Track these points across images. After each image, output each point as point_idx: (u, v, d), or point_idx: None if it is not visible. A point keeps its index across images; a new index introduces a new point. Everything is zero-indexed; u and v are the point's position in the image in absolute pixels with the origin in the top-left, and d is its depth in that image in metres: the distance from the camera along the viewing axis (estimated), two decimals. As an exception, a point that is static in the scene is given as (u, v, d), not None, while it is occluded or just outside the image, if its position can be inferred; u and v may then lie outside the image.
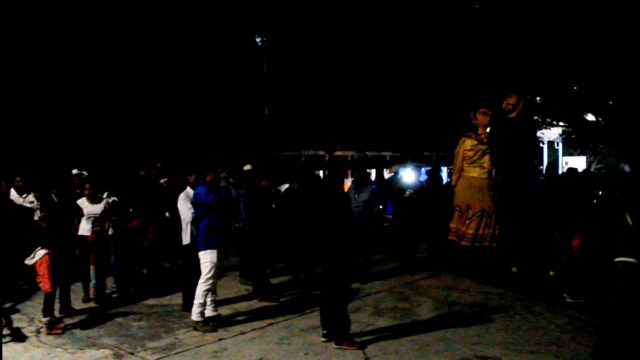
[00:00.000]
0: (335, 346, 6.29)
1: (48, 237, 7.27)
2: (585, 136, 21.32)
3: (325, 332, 6.45)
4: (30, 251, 7.04)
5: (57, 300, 7.36)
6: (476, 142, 10.51)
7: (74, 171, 9.51)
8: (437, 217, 10.93)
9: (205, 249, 7.02)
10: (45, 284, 6.90)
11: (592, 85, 15.60)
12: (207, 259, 7.01)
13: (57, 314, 7.31)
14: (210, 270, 7.00)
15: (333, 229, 6.43)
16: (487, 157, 10.39)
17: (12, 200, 9.12)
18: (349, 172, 15.52)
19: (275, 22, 18.80)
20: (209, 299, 7.17)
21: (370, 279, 9.37)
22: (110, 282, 8.73)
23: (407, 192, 10.78)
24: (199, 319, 6.98)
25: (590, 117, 18.88)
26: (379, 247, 11.56)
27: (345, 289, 6.49)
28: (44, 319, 6.90)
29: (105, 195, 8.80)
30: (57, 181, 7.96)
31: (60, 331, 6.89)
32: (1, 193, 8.81)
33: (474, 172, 10.47)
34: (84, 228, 8.16)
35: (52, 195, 7.71)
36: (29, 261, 6.95)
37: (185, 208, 7.54)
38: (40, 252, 6.93)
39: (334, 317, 6.38)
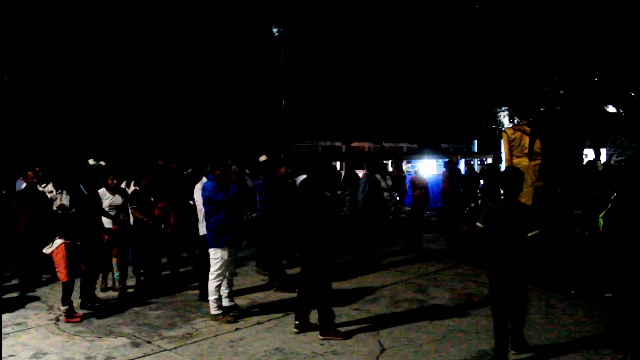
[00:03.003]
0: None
1: (66, 227, 7.29)
2: (606, 128, 21.03)
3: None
4: (49, 240, 7.13)
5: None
6: (519, 132, 10.44)
7: (91, 161, 9.50)
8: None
9: (215, 246, 6.93)
10: (61, 273, 6.99)
11: (613, 77, 15.37)
12: (217, 255, 6.92)
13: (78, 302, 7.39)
14: (219, 267, 6.93)
15: (313, 221, 6.40)
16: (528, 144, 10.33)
17: (38, 190, 9.07)
18: (364, 163, 15.50)
19: (292, 13, 18.72)
20: (224, 291, 7.17)
21: (387, 270, 9.37)
22: (128, 272, 8.78)
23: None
24: (218, 311, 6.96)
25: (610, 109, 18.63)
26: (396, 238, 11.59)
27: (322, 280, 6.41)
28: (63, 308, 6.99)
29: (124, 185, 8.81)
30: (84, 172, 7.94)
31: (78, 319, 6.97)
32: (29, 182, 8.75)
33: (524, 161, 10.40)
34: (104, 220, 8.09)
35: (81, 186, 7.58)
36: (46, 250, 7.05)
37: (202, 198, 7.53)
38: (57, 242, 7.01)
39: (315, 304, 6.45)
